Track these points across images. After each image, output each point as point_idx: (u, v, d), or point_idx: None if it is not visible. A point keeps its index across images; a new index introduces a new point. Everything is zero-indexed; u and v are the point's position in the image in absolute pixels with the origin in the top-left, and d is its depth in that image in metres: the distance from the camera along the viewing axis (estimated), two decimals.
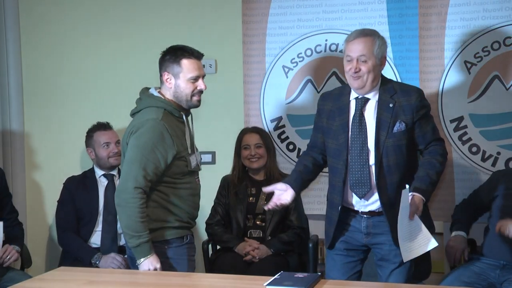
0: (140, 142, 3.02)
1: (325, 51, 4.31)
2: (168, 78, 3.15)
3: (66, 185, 4.11)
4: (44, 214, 4.47)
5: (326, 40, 4.30)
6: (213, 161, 4.49)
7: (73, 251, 3.93)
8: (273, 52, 4.36)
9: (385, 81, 3.20)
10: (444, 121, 4.13)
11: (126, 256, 3.81)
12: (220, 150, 4.45)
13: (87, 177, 4.12)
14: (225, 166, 4.19)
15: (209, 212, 4.05)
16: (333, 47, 4.28)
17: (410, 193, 2.99)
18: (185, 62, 3.15)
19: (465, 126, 4.11)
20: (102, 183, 4.09)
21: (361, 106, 3.14)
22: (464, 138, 4.12)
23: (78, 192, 4.05)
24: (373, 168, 3.10)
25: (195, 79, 3.16)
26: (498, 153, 4.05)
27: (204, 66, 4.30)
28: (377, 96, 3.14)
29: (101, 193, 4.05)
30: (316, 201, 4.23)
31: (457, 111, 4.12)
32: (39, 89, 4.55)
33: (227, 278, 3.13)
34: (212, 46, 4.42)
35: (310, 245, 3.91)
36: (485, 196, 3.74)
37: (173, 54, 3.16)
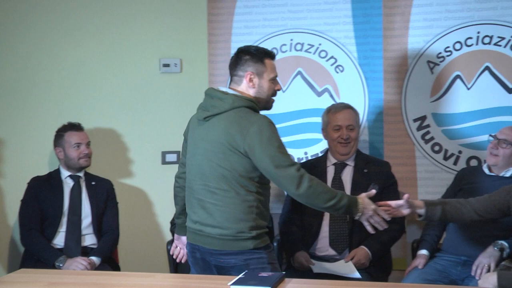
0: (265, 136, 2.86)
1: (290, 50, 4.34)
2: (252, 77, 3.02)
3: (31, 184, 4.06)
4: (5, 215, 4.40)
5: (292, 40, 4.33)
6: (178, 161, 4.39)
7: (36, 251, 3.88)
8: None
9: (358, 151, 3.84)
10: (407, 120, 4.18)
11: (90, 258, 3.82)
12: None
13: (53, 178, 4.07)
14: None
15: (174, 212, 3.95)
16: (298, 47, 4.31)
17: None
18: (268, 62, 3.07)
19: (428, 125, 4.16)
20: (68, 184, 4.06)
21: (340, 170, 3.78)
22: (427, 137, 4.16)
23: (42, 192, 4.01)
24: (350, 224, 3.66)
25: (275, 79, 3.09)
26: (460, 152, 4.10)
27: (168, 65, 4.41)
28: (353, 163, 3.79)
29: (66, 194, 4.02)
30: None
31: (420, 111, 4.17)
32: (4, 88, 4.46)
33: (191, 278, 3.09)
34: (177, 46, 4.48)
35: (275, 244, 3.91)
36: (451, 195, 3.77)
37: (255, 54, 3.06)
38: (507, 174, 3.61)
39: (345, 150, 3.73)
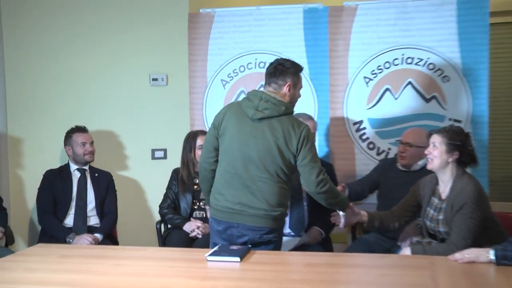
0: (311, 141, 3.00)
1: (255, 67, 4.35)
2: (289, 87, 3.01)
3: (45, 176, 4.09)
4: (25, 201, 4.47)
5: (256, 59, 4.35)
6: (165, 157, 4.52)
7: (50, 230, 3.92)
8: (213, 68, 4.39)
9: None
10: (348, 124, 4.21)
11: (94, 234, 3.87)
12: (170, 148, 4.48)
13: (63, 170, 4.11)
14: (174, 160, 4.20)
15: (162, 198, 4.07)
16: (262, 65, 4.32)
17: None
18: (300, 75, 3.10)
19: (364, 128, 4.20)
20: (76, 175, 4.09)
21: None
22: (364, 137, 4.20)
23: (55, 182, 4.03)
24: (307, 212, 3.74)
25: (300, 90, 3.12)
26: (389, 149, 4.15)
27: (157, 79, 4.42)
28: None
29: (75, 184, 4.05)
30: None
31: (358, 116, 4.21)
32: (22, 93, 4.50)
33: (176, 251, 3.19)
34: (164, 63, 4.50)
35: None
36: (369, 181, 3.91)
37: (295, 67, 3.05)
38: (417, 168, 3.72)
39: None
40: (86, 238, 3.81)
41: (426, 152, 3.09)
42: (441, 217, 3.03)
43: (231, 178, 2.99)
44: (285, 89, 3.02)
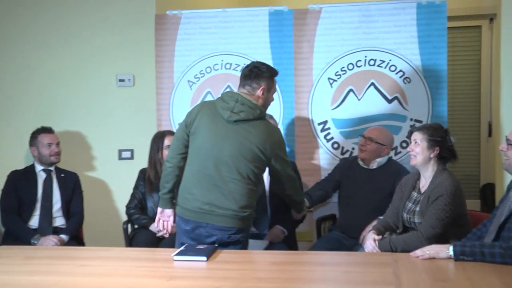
0: (283, 146, 3.10)
1: (221, 69, 4.35)
2: (263, 90, 3.02)
3: (10, 177, 4.02)
4: None
5: (222, 60, 4.36)
6: (132, 157, 4.51)
7: (15, 231, 3.86)
8: (180, 70, 4.39)
9: None
10: (313, 124, 4.25)
11: (59, 236, 3.82)
12: (138, 148, 4.47)
13: (28, 171, 4.05)
14: (141, 160, 4.17)
15: (127, 198, 4.03)
16: (228, 66, 4.34)
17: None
18: (275, 80, 3.12)
19: (329, 128, 4.24)
20: (42, 176, 4.04)
21: None
22: (328, 137, 4.24)
23: (20, 183, 3.97)
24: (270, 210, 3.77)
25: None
26: (353, 148, 4.18)
27: (123, 80, 4.40)
28: None
29: (40, 185, 4.00)
30: None
31: (322, 116, 4.24)
32: None
33: (143, 251, 3.16)
34: (131, 64, 4.48)
35: None
36: (331, 180, 3.93)
37: (270, 71, 3.06)
38: (374, 166, 3.78)
39: None
40: (51, 239, 3.76)
41: (408, 149, 3.19)
42: (417, 209, 3.10)
43: (202, 178, 2.97)
44: (259, 92, 3.03)
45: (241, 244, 2.99)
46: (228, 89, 4.29)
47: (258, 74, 3.03)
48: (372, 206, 3.62)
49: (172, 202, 3.14)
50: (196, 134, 3.01)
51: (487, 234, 2.70)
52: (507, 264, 2.40)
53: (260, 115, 3.01)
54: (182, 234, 3.05)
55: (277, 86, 4.11)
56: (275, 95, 3.18)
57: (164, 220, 3.19)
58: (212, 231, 2.94)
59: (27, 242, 3.74)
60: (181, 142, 3.07)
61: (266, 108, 3.11)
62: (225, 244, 2.94)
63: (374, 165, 3.78)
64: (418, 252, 2.63)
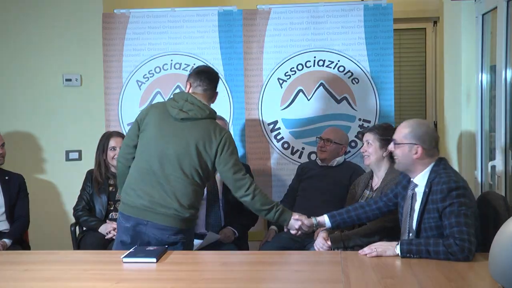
0: (231, 148, 2.99)
1: (170, 68, 4.32)
2: (215, 94, 3.11)
3: None
4: None
5: (172, 60, 4.33)
6: (79, 158, 4.45)
7: None
8: (128, 69, 4.34)
9: None
10: (263, 124, 4.26)
11: (2, 240, 3.70)
12: (85, 149, 4.41)
13: None
14: (89, 161, 4.10)
15: (75, 200, 3.96)
16: (177, 66, 4.31)
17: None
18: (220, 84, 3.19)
19: (279, 128, 4.25)
20: None
21: None
22: (278, 137, 4.26)
23: None
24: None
25: None
26: (303, 148, 4.22)
27: (70, 80, 4.34)
28: None
29: None
30: None
31: (272, 116, 4.25)
32: None
33: (91, 254, 3.10)
34: (78, 64, 4.43)
35: None
36: (296, 186, 3.96)
37: (217, 77, 3.13)
38: (334, 164, 3.86)
39: None
40: None
41: (362, 150, 3.30)
42: None
43: (145, 175, 2.94)
44: (210, 93, 3.07)
45: (182, 246, 2.92)
46: (177, 89, 4.28)
47: (210, 78, 3.08)
48: (328, 197, 3.68)
49: None
50: (145, 131, 3.00)
51: (402, 230, 2.77)
52: (449, 260, 2.48)
53: (209, 115, 3.01)
54: (122, 232, 2.99)
55: (227, 87, 4.28)
56: (224, 95, 3.22)
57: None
58: (152, 230, 2.89)
59: None
60: (131, 141, 3.05)
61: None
62: (163, 244, 2.87)
63: (333, 163, 3.88)
64: (366, 249, 2.67)
